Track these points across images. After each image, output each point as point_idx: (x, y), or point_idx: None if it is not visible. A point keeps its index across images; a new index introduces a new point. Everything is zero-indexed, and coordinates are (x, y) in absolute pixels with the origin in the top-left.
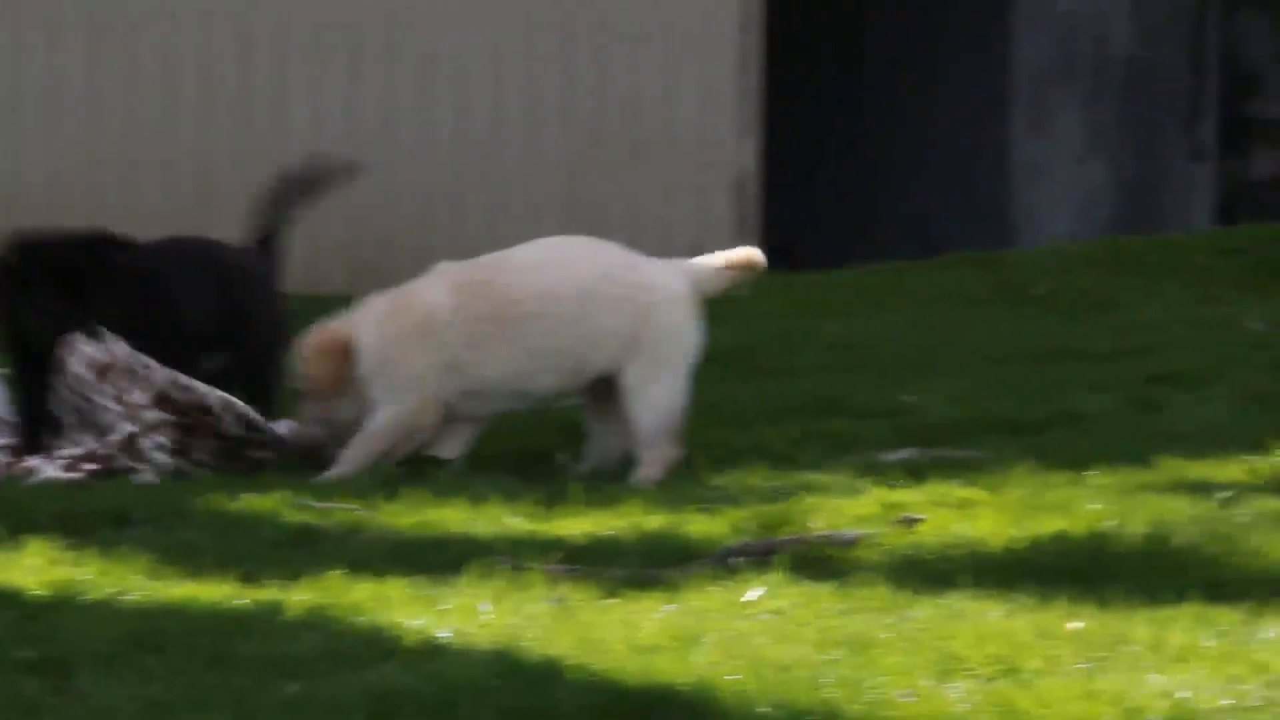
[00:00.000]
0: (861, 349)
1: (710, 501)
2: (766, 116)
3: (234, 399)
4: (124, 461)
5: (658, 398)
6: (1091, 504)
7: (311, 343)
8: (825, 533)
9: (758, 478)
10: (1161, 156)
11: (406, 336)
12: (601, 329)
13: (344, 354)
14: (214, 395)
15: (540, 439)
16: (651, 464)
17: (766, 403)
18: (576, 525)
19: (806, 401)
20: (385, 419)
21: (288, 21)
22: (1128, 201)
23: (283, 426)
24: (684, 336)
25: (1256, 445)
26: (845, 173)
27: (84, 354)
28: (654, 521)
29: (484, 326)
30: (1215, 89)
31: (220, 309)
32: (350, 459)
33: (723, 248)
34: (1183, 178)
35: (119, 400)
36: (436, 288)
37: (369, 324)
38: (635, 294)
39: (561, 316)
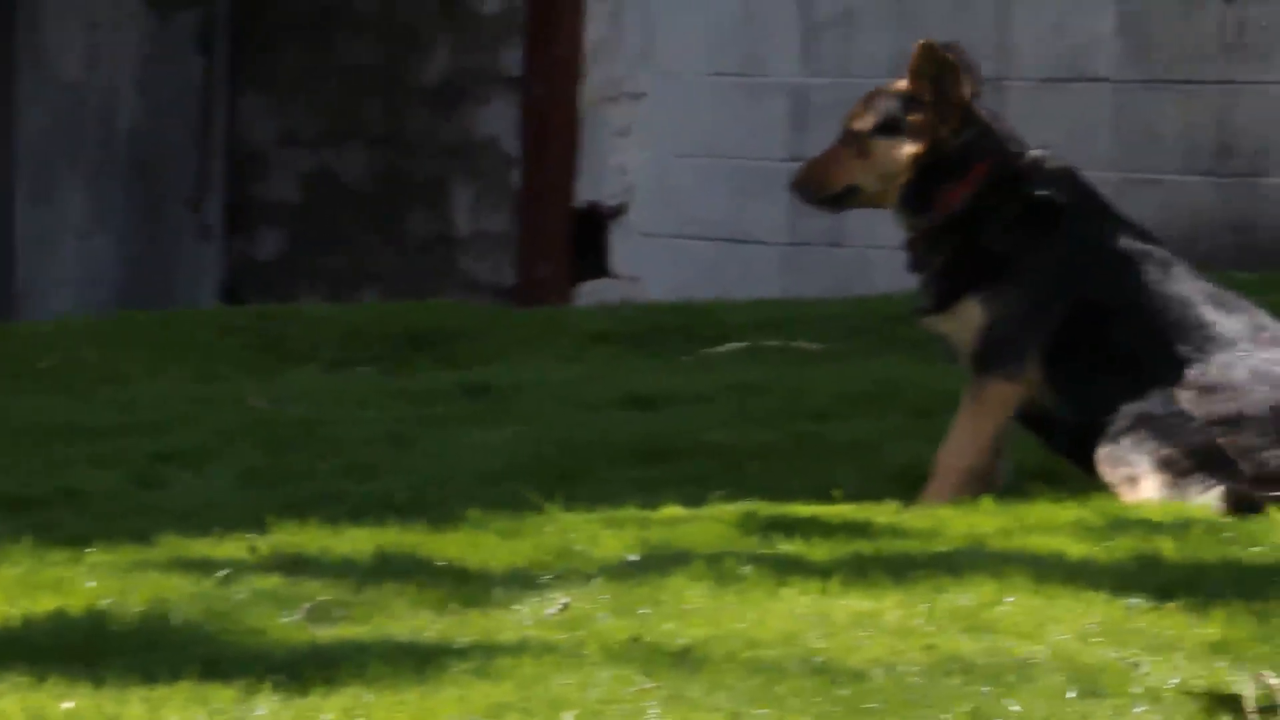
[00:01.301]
0: None
1: None
2: None
3: None
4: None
5: None
6: (89, 581)
7: None
8: None
9: None
10: (169, 234)
11: None
12: None
13: None
14: None
15: None
16: None
17: None
18: None
19: None
20: None
21: None
22: (134, 277)
23: None
24: None
25: (256, 523)
26: None
27: None
28: None
29: None
30: (221, 169)
31: None
32: None
33: None
34: (190, 256)
35: None
36: None
37: None
38: None
39: None
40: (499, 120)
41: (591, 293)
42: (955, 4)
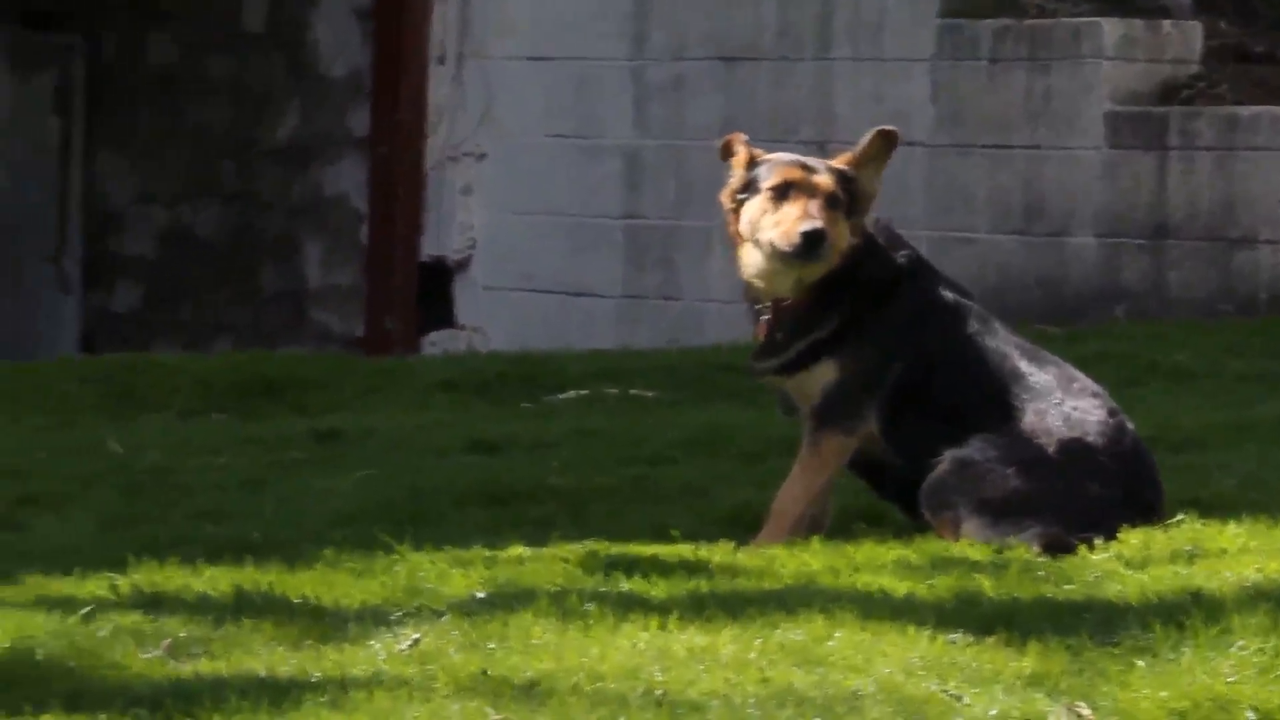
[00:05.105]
0: None
1: None
2: None
3: None
4: None
5: None
6: None
7: None
8: None
9: None
10: (29, 288)
11: None
12: None
13: None
14: None
15: None
16: None
17: None
18: None
19: None
20: None
21: None
22: None
23: None
24: None
25: (116, 563)
26: None
27: None
28: None
29: None
30: (79, 226)
31: None
32: None
33: None
34: (50, 309)
35: None
36: None
37: None
38: None
39: None
40: (347, 179)
41: (437, 343)
42: (779, 73)
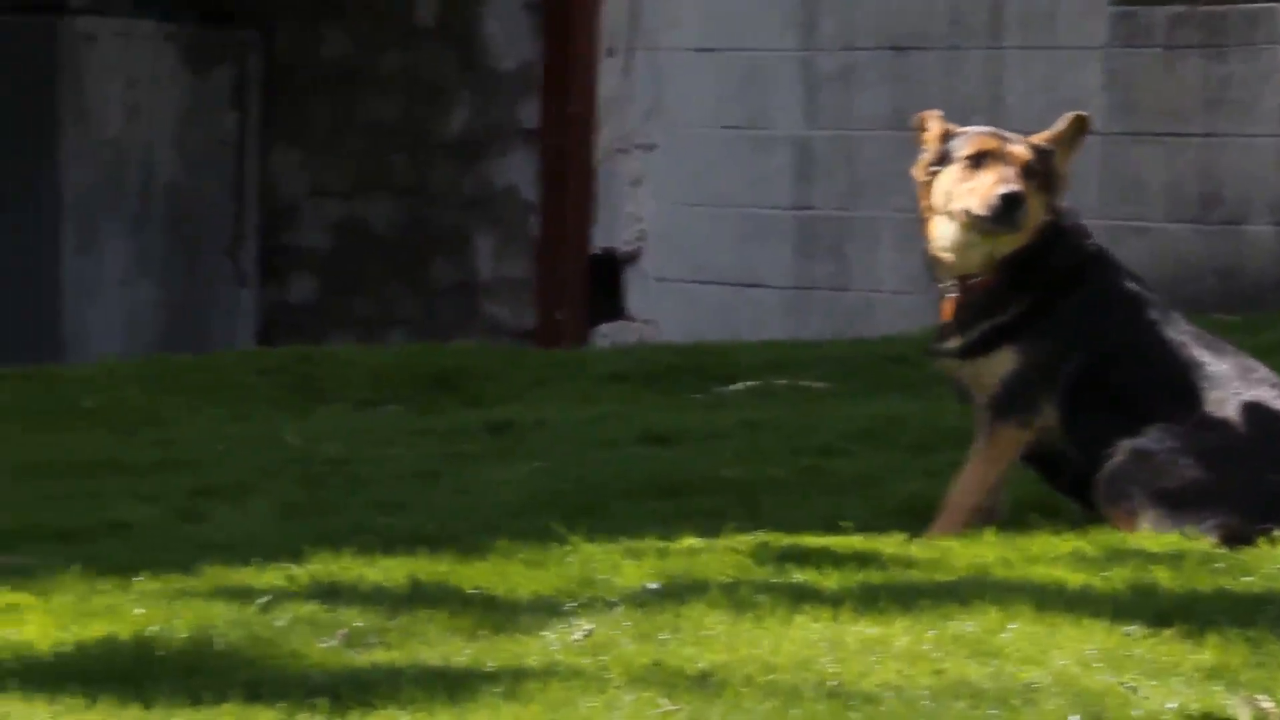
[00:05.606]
0: None
1: None
2: None
3: None
4: None
5: None
6: (137, 609)
7: None
8: None
9: None
10: (206, 281)
11: None
12: None
13: None
14: None
15: None
16: None
17: None
18: None
19: None
20: None
21: None
22: (174, 322)
23: None
24: None
25: (294, 553)
26: None
27: None
28: None
29: None
30: (255, 219)
31: None
32: None
33: None
34: (226, 301)
35: None
36: None
37: None
38: None
39: None
40: (517, 171)
41: (607, 335)
42: (950, 62)
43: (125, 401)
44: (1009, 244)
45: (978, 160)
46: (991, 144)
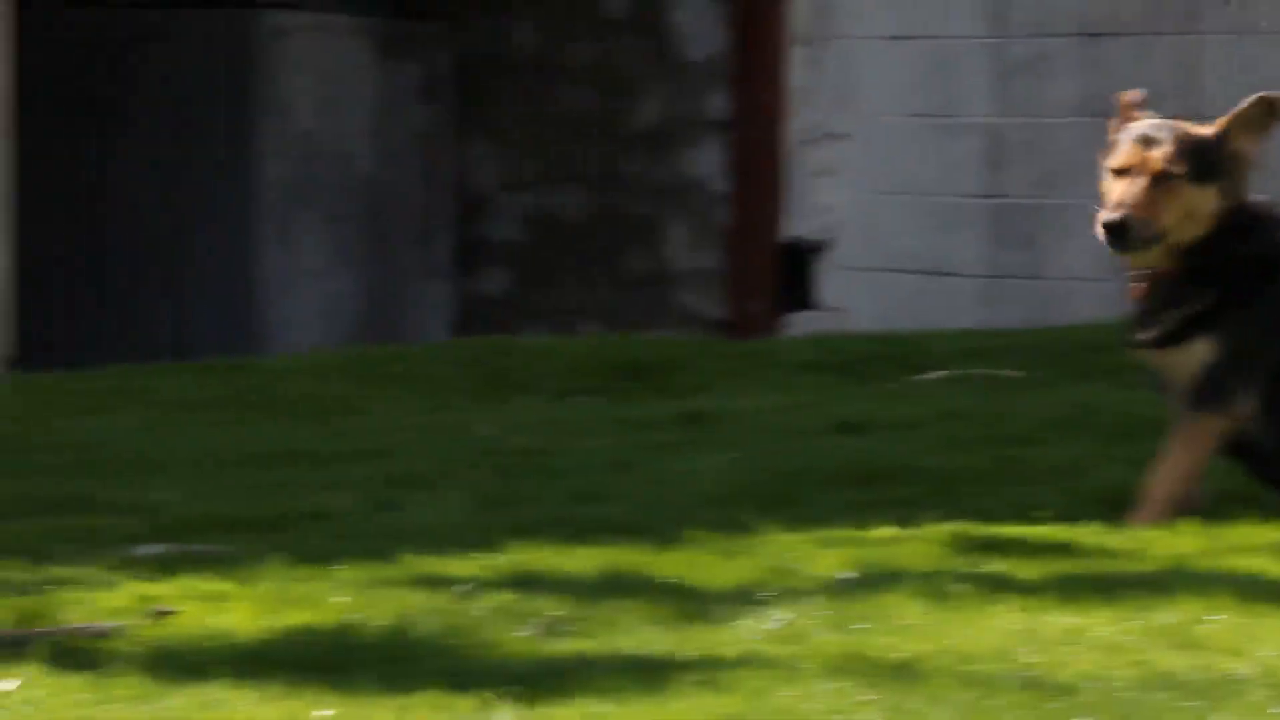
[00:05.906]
0: (98, 449)
1: None
2: (19, 222)
3: None
4: None
5: None
6: (337, 597)
7: None
8: (79, 625)
9: (10, 572)
10: (401, 273)
11: None
12: None
13: None
14: None
15: None
16: None
17: (10, 500)
18: None
19: (52, 499)
20: None
21: None
22: (369, 314)
23: None
24: None
25: (490, 543)
26: (103, 280)
27: None
28: None
29: None
30: (449, 211)
31: None
32: None
33: None
34: (421, 293)
35: None
36: None
37: None
38: None
39: None
40: (707, 162)
41: (799, 324)
42: (1143, 47)
43: (321, 392)
44: (1151, 255)
45: (1117, 171)
46: (1125, 157)
